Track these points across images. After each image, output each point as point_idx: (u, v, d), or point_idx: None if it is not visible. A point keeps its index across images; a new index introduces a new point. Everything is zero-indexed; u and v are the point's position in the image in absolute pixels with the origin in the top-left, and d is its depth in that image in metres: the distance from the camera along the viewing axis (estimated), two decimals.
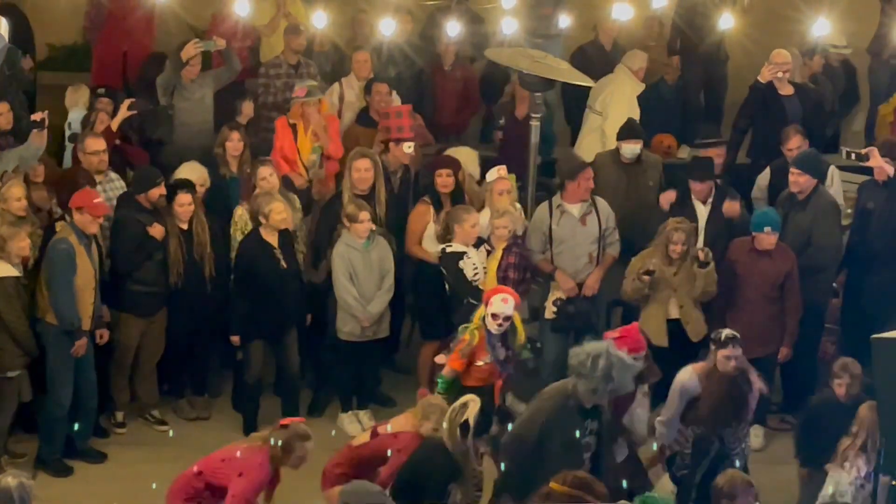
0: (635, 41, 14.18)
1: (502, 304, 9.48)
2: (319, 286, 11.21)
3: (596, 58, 13.84)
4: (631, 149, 11.70)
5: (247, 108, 12.23)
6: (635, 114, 12.80)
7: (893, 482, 8.13)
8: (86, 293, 10.18)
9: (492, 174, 11.42)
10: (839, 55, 13.99)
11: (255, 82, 13.23)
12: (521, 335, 9.72)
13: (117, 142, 11.76)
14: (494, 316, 9.46)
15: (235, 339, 10.94)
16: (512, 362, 9.67)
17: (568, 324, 10.96)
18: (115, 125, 11.65)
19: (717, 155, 11.97)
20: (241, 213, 11.20)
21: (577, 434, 8.45)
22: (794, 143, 11.56)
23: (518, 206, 11.42)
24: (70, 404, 10.21)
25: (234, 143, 11.56)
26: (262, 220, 10.77)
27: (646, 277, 10.64)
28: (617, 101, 13.15)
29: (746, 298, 10.68)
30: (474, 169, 11.96)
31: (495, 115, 13.84)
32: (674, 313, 10.77)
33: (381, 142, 11.96)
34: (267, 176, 11.12)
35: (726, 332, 9.33)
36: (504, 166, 11.47)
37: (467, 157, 12.03)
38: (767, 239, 10.61)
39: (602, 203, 11.16)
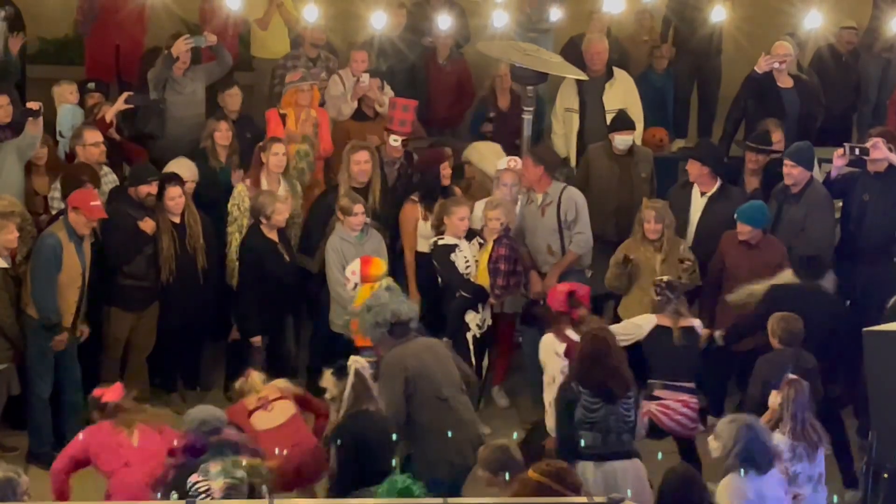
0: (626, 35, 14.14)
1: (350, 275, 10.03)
2: (312, 276, 11.22)
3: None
4: (623, 140, 11.62)
5: (231, 100, 12.16)
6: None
7: (885, 475, 8.11)
8: (70, 291, 10.17)
9: (502, 163, 11.37)
10: (848, 39, 13.94)
11: (247, 76, 13.17)
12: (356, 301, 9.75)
13: (116, 136, 11.75)
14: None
15: (236, 335, 10.98)
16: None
17: (531, 323, 10.83)
18: (109, 116, 11.64)
19: (754, 161, 11.58)
20: (240, 189, 11.21)
21: None
22: (775, 138, 11.58)
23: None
24: (52, 397, 10.23)
25: (223, 133, 11.60)
26: (263, 220, 10.77)
27: (621, 264, 10.54)
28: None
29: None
30: (493, 165, 11.71)
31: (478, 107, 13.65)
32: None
33: (383, 129, 11.91)
34: (279, 152, 11.15)
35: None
36: (517, 158, 11.38)
37: (491, 151, 11.94)
38: (741, 229, 10.60)
39: (568, 194, 10.91)
